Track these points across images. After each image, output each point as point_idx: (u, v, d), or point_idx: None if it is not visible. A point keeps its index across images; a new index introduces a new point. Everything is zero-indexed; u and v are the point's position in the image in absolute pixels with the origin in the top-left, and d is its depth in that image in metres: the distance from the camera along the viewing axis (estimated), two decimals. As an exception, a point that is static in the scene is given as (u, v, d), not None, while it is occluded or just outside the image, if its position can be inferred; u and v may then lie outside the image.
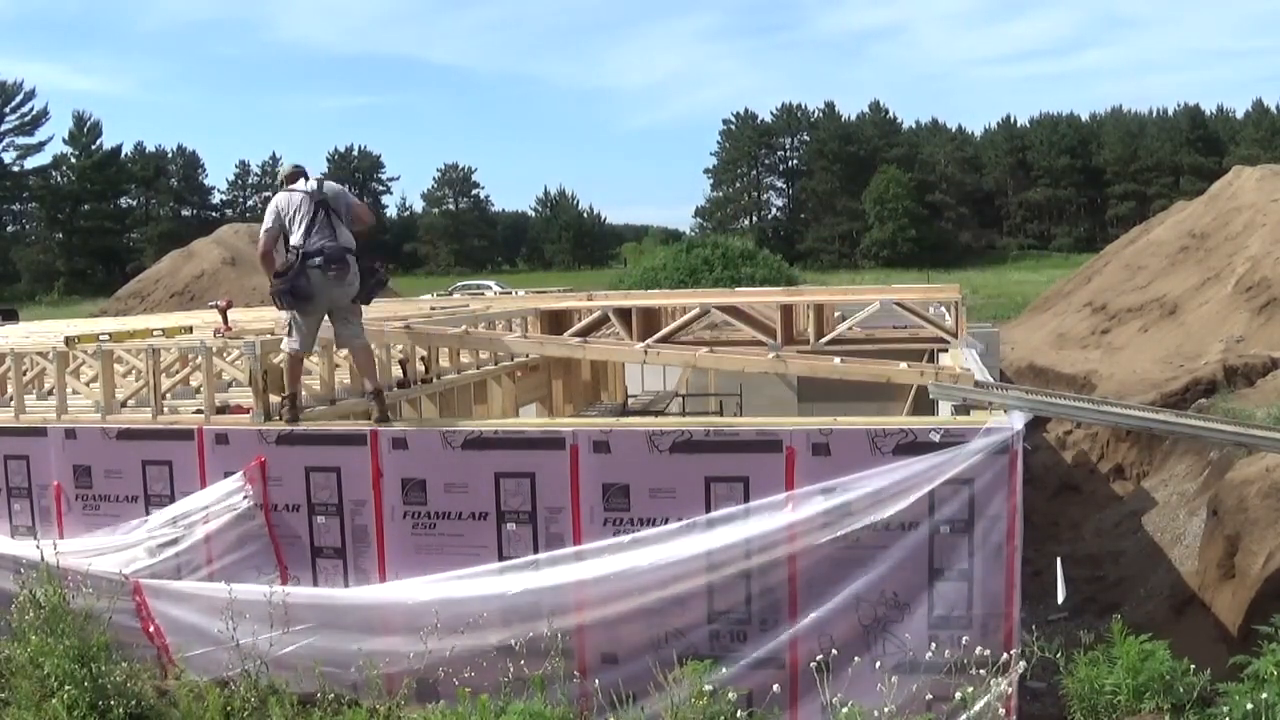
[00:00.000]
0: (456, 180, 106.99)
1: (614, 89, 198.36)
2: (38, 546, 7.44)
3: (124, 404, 8.56)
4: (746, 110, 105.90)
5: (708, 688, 5.60)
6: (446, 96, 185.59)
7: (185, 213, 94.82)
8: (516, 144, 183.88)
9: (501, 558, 7.29)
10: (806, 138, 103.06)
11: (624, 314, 11.89)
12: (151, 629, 7.78)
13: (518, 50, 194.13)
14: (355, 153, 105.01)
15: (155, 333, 9.50)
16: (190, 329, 10.25)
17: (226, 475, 7.79)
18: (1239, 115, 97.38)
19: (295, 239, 7.53)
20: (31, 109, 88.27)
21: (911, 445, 6.64)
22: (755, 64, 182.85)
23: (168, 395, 8.55)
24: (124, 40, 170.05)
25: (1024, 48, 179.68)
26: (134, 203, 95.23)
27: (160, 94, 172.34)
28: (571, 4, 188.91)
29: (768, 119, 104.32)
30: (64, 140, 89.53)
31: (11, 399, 8.81)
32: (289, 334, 7.76)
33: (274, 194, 7.85)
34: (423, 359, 10.27)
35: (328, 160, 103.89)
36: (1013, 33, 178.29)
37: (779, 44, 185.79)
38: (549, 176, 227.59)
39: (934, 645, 5.58)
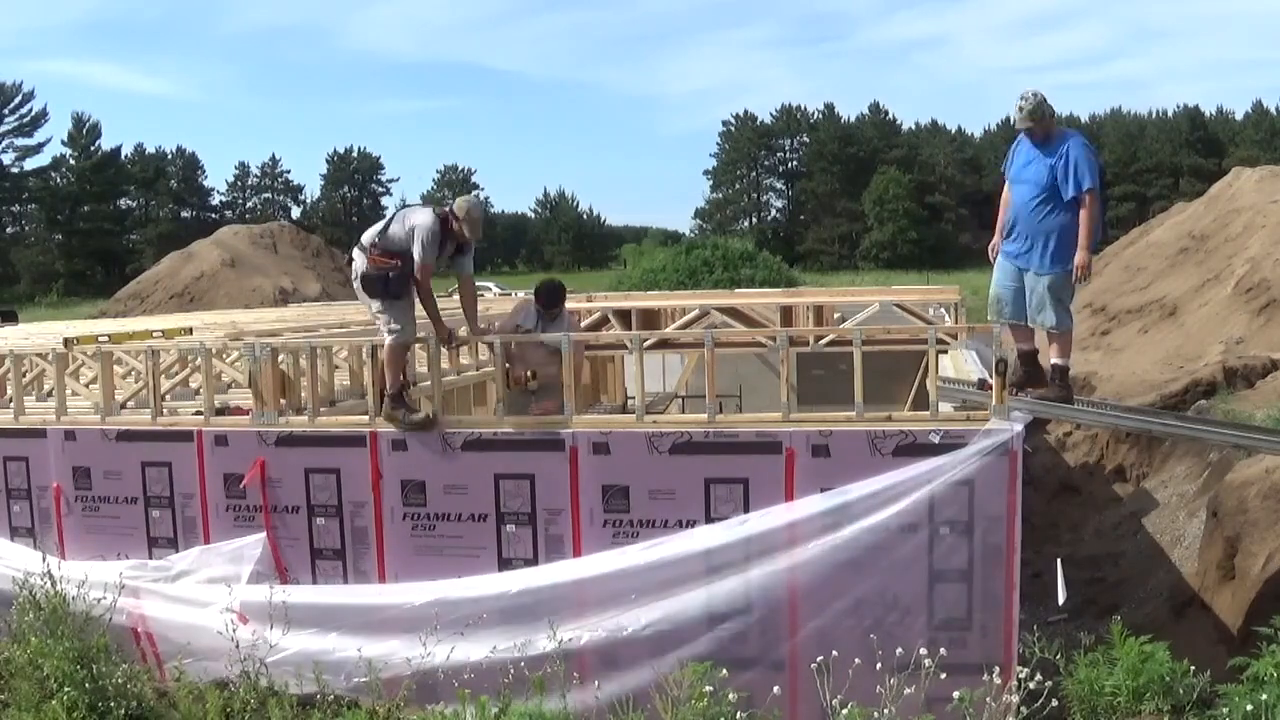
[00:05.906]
0: (456, 181, 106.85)
1: (661, 96, 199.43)
2: (42, 557, 7.45)
3: (123, 405, 8.55)
4: (746, 112, 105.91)
5: (707, 689, 5.58)
6: (476, 101, 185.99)
7: (185, 214, 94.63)
8: (536, 146, 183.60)
9: (501, 559, 7.29)
10: (806, 139, 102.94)
11: (624, 315, 11.88)
12: (143, 632, 7.78)
13: (577, 58, 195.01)
14: (355, 154, 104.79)
15: (155, 334, 9.51)
16: (190, 330, 10.25)
17: (225, 477, 7.80)
18: (1238, 117, 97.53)
19: None
20: (30, 110, 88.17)
21: (911, 447, 6.64)
22: (801, 72, 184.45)
23: (167, 397, 8.55)
24: (199, 45, 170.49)
25: (1067, 58, 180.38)
26: (133, 204, 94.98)
27: (222, 97, 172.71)
28: (637, 14, 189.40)
29: (767, 120, 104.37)
30: (63, 142, 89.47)
31: (11, 400, 8.81)
32: None
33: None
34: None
35: (327, 161, 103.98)
36: (1056, 43, 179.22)
37: (826, 53, 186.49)
38: (562, 179, 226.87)
39: (934, 647, 5.57)
